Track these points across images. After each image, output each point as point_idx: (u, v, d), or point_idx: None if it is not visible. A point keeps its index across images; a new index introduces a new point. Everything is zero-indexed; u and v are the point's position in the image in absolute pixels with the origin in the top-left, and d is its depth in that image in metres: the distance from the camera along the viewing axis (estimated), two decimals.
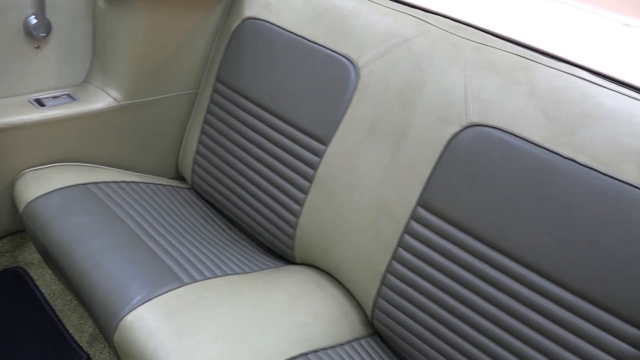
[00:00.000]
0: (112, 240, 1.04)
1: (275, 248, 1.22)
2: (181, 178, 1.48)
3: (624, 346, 0.76)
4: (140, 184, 1.29)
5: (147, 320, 0.90)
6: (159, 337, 0.87)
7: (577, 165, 0.82)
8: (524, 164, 0.85)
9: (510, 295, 0.85)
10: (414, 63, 1.01)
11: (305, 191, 1.12)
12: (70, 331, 1.19)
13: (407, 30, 1.04)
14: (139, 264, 1.00)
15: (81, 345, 1.17)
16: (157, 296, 0.94)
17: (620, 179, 0.78)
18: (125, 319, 0.91)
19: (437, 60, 0.99)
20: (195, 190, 1.40)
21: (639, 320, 0.75)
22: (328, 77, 1.11)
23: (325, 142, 1.10)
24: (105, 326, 0.94)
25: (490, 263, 0.87)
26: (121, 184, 1.25)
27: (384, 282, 1.00)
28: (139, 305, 0.92)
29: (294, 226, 1.15)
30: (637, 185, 0.77)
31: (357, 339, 1.04)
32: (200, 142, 1.34)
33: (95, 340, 1.15)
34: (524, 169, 0.85)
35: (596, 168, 0.80)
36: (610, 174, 0.79)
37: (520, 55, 0.93)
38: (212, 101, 1.32)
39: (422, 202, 0.95)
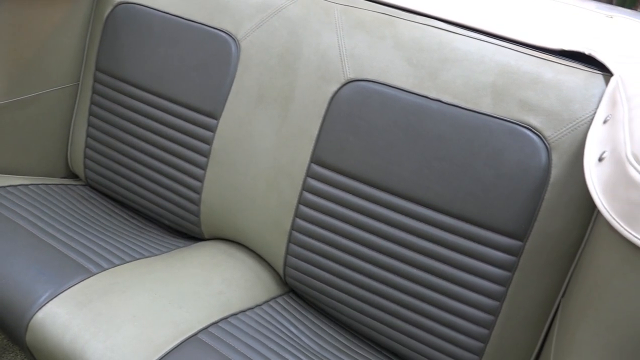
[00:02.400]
0: (7, 245, 1.01)
1: (182, 228, 1.24)
2: (74, 176, 1.44)
3: (500, 254, 0.88)
4: (30, 186, 1.25)
5: (60, 314, 0.89)
6: (74, 328, 0.87)
7: (442, 104, 0.91)
8: (398, 110, 0.94)
9: (401, 228, 0.94)
10: (290, 29, 1.06)
11: (203, 167, 1.15)
12: None
13: (280, 0, 1.09)
14: (41, 263, 0.98)
15: None
16: (66, 289, 0.93)
17: (479, 111, 0.89)
18: (35, 317, 0.89)
19: (311, 25, 1.05)
20: (90, 185, 1.37)
21: (510, 229, 0.87)
22: (210, 53, 1.13)
23: (215, 116, 1.13)
24: (14, 331, 0.91)
25: (380, 203, 0.95)
26: (8, 188, 1.20)
27: (290, 240, 1.06)
28: (48, 302, 0.91)
29: (197, 203, 1.17)
30: (493, 115, 0.88)
31: (273, 298, 1.10)
32: (88, 135, 1.31)
33: (6, 351, 1.11)
34: (398, 114, 0.94)
35: (459, 105, 0.91)
36: (470, 108, 0.90)
37: (384, 12, 1.01)
38: (95, 92, 1.29)
39: (315, 159, 1.02)
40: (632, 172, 0.61)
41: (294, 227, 1.05)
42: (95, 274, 0.98)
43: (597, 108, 0.83)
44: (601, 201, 0.65)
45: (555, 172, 0.84)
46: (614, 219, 0.63)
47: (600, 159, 0.70)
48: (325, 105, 1.01)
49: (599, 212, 0.81)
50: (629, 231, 0.61)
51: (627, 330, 0.65)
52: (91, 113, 1.30)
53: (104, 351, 0.84)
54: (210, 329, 0.91)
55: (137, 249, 1.12)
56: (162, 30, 1.18)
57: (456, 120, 0.90)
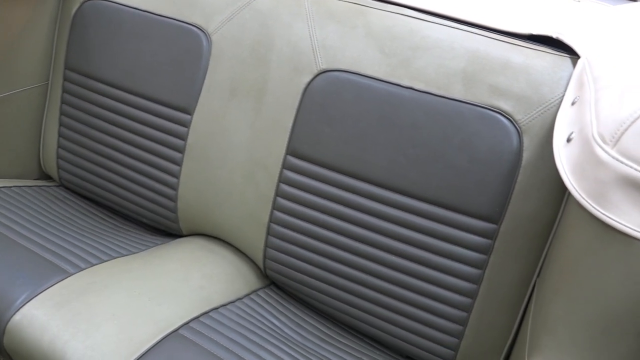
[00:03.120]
0: None
1: (160, 225, 1.23)
2: (47, 177, 1.42)
3: (475, 238, 0.89)
4: (2, 189, 1.22)
5: (37, 316, 0.88)
6: (53, 329, 0.86)
7: (415, 91, 0.92)
8: (371, 98, 0.94)
9: (378, 216, 0.95)
10: (261, 21, 1.06)
11: (178, 163, 1.14)
12: None
13: None
14: (17, 265, 0.96)
15: None
16: (43, 291, 0.92)
17: (451, 97, 0.90)
18: (12, 320, 0.88)
19: (281, 17, 1.05)
20: (64, 186, 1.35)
21: (484, 213, 0.88)
22: (181, 48, 1.12)
23: (189, 111, 1.12)
24: None
25: (357, 192, 0.96)
26: None
27: (269, 232, 1.06)
28: (25, 304, 0.90)
29: (174, 199, 1.16)
30: (465, 101, 0.89)
31: (254, 291, 1.10)
32: (60, 135, 1.29)
33: None
34: (372, 103, 0.94)
35: (431, 91, 0.91)
36: (442, 95, 0.91)
37: (354, 2, 1.01)
38: (65, 91, 1.27)
39: (291, 151, 1.02)
40: (599, 152, 0.63)
41: (272, 220, 1.05)
42: (72, 274, 0.97)
43: (565, 90, 0.84)
44: (570, 181, 0.66)
45: (526, 155, 0.86)
46: (583, 198, 0.64)
47: (568, 140, 0.71)
48: (298, 97, 1.01)
49: (569, 192, 0.83)
50: (598, 209, 0.63)
51: (599, 306, 0.66)
52: (62, 112, 1.28)
53: (84, 351, 0.83)
54: (191, 324, 0.91)
55: (115, 247, 1.11)
56: (131, 26, 1.17)
57: (429, 107, 0.91)
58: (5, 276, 0.94)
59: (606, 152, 0.62)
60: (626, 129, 0.61)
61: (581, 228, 0.69)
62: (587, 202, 0.63)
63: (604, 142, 0.62)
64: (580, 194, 0.64)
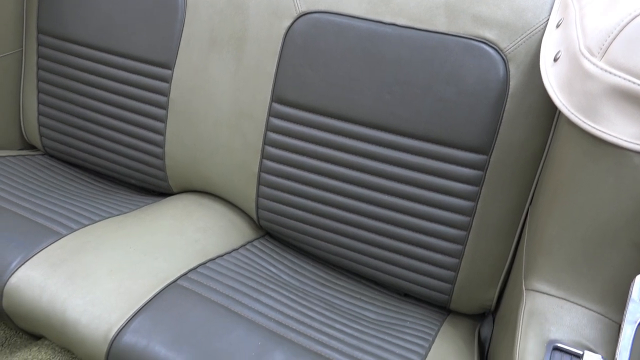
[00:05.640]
0: None
1: (149, 185, 1.22)
2: (31, 147, 1.39)
3: (466, 170, 0.90)
4: None
5: (34, 277, 0.87)
6: (51, 288, 0.86)
7: (398, 27, 0.91)
8: (354, 37, 0.93)
9: (368, 157, 0.95)
10: None
11: (163, 119, 1.12)
12: None
13: None
14: (8, 230, 0.95)
15: None
16: (37, 253, 0.91)
17: (435, 30, 0.89)
18: (8, 283, 0.88)
19: None
20: (49, 154, 1.32)
21: (474, 145, 0.88)
22: (155, 2, 1.09)
23: (169, 66, 1.09)
24: None
25: (345, 134, 0.95)
26: None
27: (260, 182, 1.06)
28: (20, 266, 0.89)
29: (161, 157, 1.15)
30: (449, 33, 0.88)
31: (249, 242, 1.10)
32: (40, 102, 1.26)
33: None
34: (354, 42, 0.93)
35: (414, 26, 0.90)
36: (426, 29, 0.89)
37: None
38: (40, 56, 1.24)
39: (276, 98, 1.00)
40: (587, 65, 0.62)
41: (262, 169, 1.05)
42: (65, 236, 0.96)
43: (549, 14, 0.83)
44: (559, 98, 0.66)
45: (513, 82, 0.85)
46: (572, 113, 0.64)
47: (555, 60, 0.71)
48: (280, 42, 0.99)
49: (559, 115, 0.83)
50: (587, 123, 0.63)
51: (593, 221, 0.67)
52: (40, 78, 1.25)
53: (84, 306, 0.83)
54: (189, 275, 0.91)
55: (106, 208, 1.10)
56: None
57: (413, 42, 0.90)
58: None
59: (594, 64, 0.61)
60: (613, 39, 0.60)
61: (572, 146, 0.69)
62: (577, 117, 0.63)
63: (592, 54, 0.62)
64: (569, 110, 0.64)
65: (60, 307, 0.83)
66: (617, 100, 0.60)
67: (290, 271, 1.04)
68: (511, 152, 0.87)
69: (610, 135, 0.61)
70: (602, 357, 0.51)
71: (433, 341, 0.90)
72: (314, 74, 0.96)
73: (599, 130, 0.62)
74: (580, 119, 0.63)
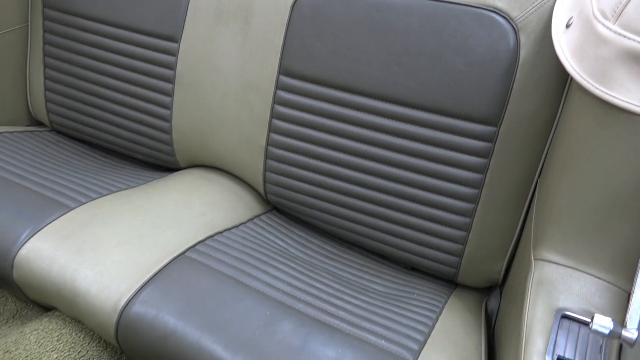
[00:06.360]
0: None
1: (157, 160, 1.22)
2: (39, 124, 1.39)
3: (475, 142, 0.89)
4: None
5: (44, 249, 0.88)
6: (60, 259, 0.86)
7: None
8: (362, 7, 0.91)
9: (376, 129, 0.94)
10: None
11: (170, 94, 1.12)
12: None
13: None
14: (17, 203, 0.96)
15: None
16: (46, 225, 0.92)
17: (445, 0, 0.87)
18: (19, 254, 0.88)
19: None
20: (57, 130, 1.33)
21: (483, 116, 0.87)
22: None
23: (176, 39, 1.09)
24: (1, 271, 0.90)
25: (353, 107, 0.95)
26: None
27: (267, 156, 1.05)
28: (30, 238, 0.90)
29: (169, 132, 1.15)
30: (459, 2, 0.87)
31: (256, 217, 1.10)
32: (47, 78, 1.26)
33: None
34: (362, 12, 0.91)
35: None
36: None
37: None
38: (47, 31, 1.23)
39: (284, 70, 1.00)
40: (600, 29, 0.61)
41: (269, 143, 1.04)
42: (74, 209, 0.96)
43: None
44: (571, 64, 0.65)
45: (524, 52, 0.84)
46: (584, 79, 0.63)
47: (567, 26, 0.70)
48: (287, 13, 0.98)
49: (570, 84, 0.82)
50: (600, 89, 0.62)
51: (604, 189, 0.67)
52: (46, 54, 1.24)
53: (94, 277, 0.84)
54: (197, 247, 0.92)
55: (114, 183, 1.10)
56: None
57: (422, 12, 0.88)
58: (8, 214, 0.93)
59: (608, 28, 0.60)
60: (628, 2, 0.59)
61: (583, 115, 0.68)
62: (589, 83, 0.62)
63: (606, 18, 0.61)
64: (582, 76, 0.63)
65: (70, 278, 0.84)
66: (631, 65, 0.59)
67: (298, 245, 1.04)
68: (521, 124, 0.86)
69: (623, 101, 0.60)
70: (612, 320, 0.51)
71: (440, 313, 0.91)
72: (322, 45, 0.95)
73: (612, 97, 0.61)
74: (593, 85, 0.62)
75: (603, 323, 0.52)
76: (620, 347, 0.62)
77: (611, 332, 0.52)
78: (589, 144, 0.67)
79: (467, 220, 0.93)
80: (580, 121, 0.68)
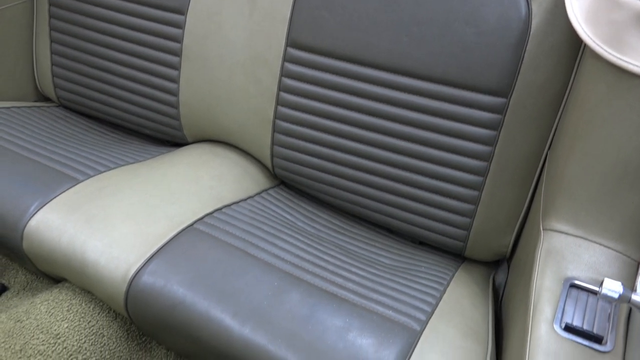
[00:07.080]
0: None
1: (164, 135, 1.22)
2: (46, 99, 1.39)
3: (484, 114, 0.88)
4: (0, 109, 1.21)
5: (53, 220, 0.89)
6: (69, 230, 0.87)
7: None
8: None
9: (384, 101, 0.93)
10: None
11: (176, 67, 1.11)
12: None
13: None
14: (26, 175, 0.96)
15: None
16: (55, 197, 0.92)
17: None
18: (28, 225, 0.89)
19: None
20: (64, 105, 1.32)
21: (493, 87, 0.86)
22: None
23: (182, 11, 1.08)
24: (10, 242, 0.91)
25: (361, 79, 0.94)
26: None
27: (275, 129, 1.05)
28: (39, 210, 0.90)
29: (176, 106, 1.15)
30: None
31: (264, 190, 1.10)
32: (53, 52, 1.26)
33: (6, 269, 1.12)
34: None
35: None
36: None
37: None
38: (52, 4, 1.22)
39: (291, 42, 0.99)
40: None
41: (277, 116, 1.04)
42: (82, 181, 0.97)
43: None
44: (584, 30, 0.64)
45: (535, 22, 0.83)
46: (597, 44, 0.62)
47: None
48: None
49: (582, 53, 0.80)
50: (613, 54, 0.61)
51: (614, 157, 0.66)
52: (52, 28, 1.24)
53: (103, 248, 0.84)
54: (205, 219, 0.92)
55: (121, 157, 1.10)
56: None
57: None
58: (16, 186, 0.94)
59: None
60: None
61: (595, 82, 0.67)
62: (602, 48, 0.61)
63: None
64: (595, 41, 0.62)
65: (80, 248, 0.85)
66: None
67: (305, 219, 1.05)
68: (531, 95, 0.85)
69: (636, 66, 0.59)
70: (622, 284, 0.51)
71: (448, 285, 0.91)
72: (330, 15, 0.94)
73: (625, 62, 0.60)
74: (606, 51, 0.61)
75: (612, 287, 0.52)
76: (629, 315, 0.62)
77: (620, 295, 0.51)
78: (600, 112, 0.66)
79: (476, 193, 0.93)
80: (592, 89, 0.67)
